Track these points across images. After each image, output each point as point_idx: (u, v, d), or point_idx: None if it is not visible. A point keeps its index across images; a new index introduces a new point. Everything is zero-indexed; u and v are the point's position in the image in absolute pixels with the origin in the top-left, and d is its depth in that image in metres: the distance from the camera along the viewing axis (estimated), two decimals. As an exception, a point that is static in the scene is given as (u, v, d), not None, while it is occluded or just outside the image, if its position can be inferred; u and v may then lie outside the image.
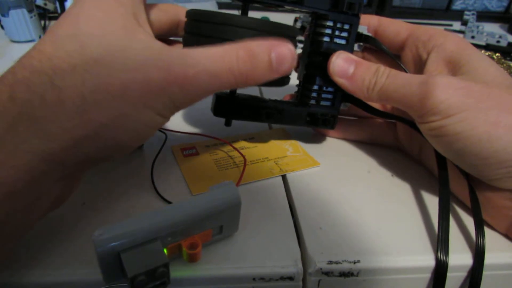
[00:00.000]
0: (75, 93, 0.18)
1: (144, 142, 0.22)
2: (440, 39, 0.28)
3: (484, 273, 0.23)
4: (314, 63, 0.30)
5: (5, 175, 0.17)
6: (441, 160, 0.27)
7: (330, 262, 0.23)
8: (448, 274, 0.23)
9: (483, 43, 0.66)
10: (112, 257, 0.18)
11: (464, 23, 0.70)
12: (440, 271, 0.23)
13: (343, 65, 0.29)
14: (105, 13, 0.19)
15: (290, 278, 0.22)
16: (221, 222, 0.22)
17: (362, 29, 0.31)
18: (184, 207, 0.20)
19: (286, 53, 0.22)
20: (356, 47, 0.32)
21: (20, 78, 0.18)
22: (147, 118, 0.20)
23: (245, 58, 0.21)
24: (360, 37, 0.31)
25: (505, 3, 0.88)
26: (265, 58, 0.22)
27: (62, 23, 0.19)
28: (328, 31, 0.30)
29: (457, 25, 0.78)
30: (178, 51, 0.20)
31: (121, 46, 0.19)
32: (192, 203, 0.20)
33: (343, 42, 0.30)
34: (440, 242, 0.23)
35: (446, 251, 0.23)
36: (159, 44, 0.20)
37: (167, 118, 0.22)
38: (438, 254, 0.23)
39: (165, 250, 0.20)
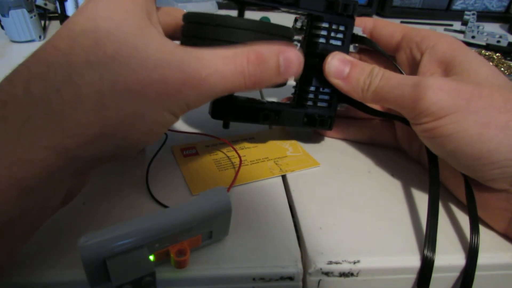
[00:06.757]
0: (93, 89, 0.18)
1: (155, 141, 0.23)
2: (433, 40, 0.28)
3: (477, 273, 0.23)
4: (310, 64, 0.30)
5: (22, 171, 0.17)
6: (432, 158, 0.27)
7: (330, 262, 0.23)
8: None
9: (484, 43, 0.66)
10: (98, 263, 0.18)
11: (465, 23, 0.70)
12: (425, 268, 0.23)
13: (339, 65, 0.29)
14: (120, 11, 0.19)
15: (290, 278, 0.22)
16: (211, 228, 0.21)
17: (357, 30, 0.31)
18: (172, 215, 0.20)
19: (293, 57, 0.23)
20: (352, 48, 0.32)
21: (36, 73, 0.18)
22: (161, 118, 0.20)
23: (256, 62, 0.21)
24: (356, 38, 0.31)
25: (505, 3, 0.88)
26: (274, 62, 0.22)
27: (77, 20, 0.19)
28: (324, 32, 0.30)
29: (457, 25, 0.78)
30: (191, 51, 0.20)
31: (137, 44, 0.19)
32: (180, 211, 0.20)
33: (338, 43, 0.31)
34: (428, 240, 0.23)
35: (433, 248, 0.23)
36: (172, 44, 0.20)
37: (178, 118, 0.22)
38: (425, 252, 0.23)
39: (152, 256, 0.20)
